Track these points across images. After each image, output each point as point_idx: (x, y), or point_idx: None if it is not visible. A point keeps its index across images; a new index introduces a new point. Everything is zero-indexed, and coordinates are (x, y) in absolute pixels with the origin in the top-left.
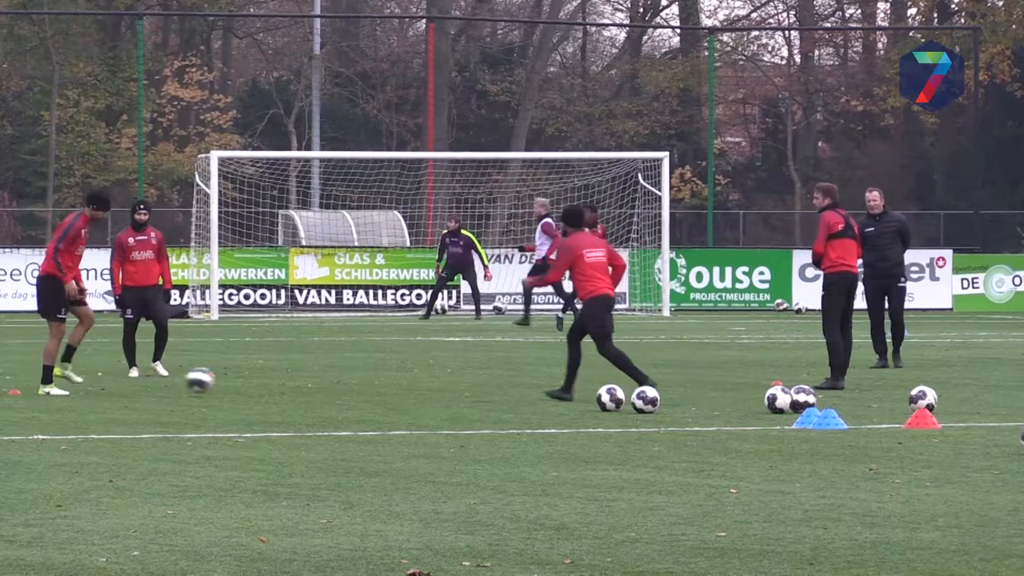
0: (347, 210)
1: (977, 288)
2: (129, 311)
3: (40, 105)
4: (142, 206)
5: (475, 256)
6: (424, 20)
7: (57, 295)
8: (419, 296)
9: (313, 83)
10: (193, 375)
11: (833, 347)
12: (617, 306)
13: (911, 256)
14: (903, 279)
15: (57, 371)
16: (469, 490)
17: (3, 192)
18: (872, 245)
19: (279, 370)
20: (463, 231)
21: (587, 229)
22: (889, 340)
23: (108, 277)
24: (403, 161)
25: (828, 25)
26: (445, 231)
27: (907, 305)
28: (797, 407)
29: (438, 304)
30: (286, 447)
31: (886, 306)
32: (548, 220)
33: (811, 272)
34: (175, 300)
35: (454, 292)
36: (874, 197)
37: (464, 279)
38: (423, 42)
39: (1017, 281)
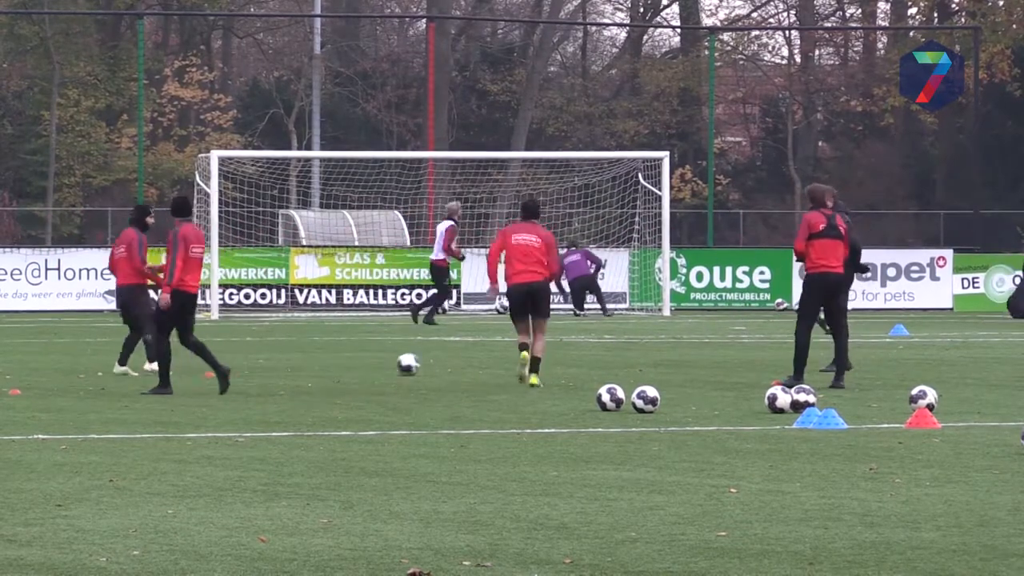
0: (347, 210)
1: (977, 288)
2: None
3: (40, 105)
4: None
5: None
6: (424, 20)
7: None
8: (419, 296)
9: (313, 83)
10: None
11: (800, 346)
12: (617, 306)
13: (912, 256)
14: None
15: (533, 380)
16: (469, 490)
17: (3, 192)
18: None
19: (279, 370)
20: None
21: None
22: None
23: (109, 276)
24: (403, 161)
25: (828, 25)
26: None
27: (908, 305)
28: (797, 407)
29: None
30: (286, 447)
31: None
32: None
33: None
34: None
35: (455, 292)
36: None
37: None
38: (423, 42)
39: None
